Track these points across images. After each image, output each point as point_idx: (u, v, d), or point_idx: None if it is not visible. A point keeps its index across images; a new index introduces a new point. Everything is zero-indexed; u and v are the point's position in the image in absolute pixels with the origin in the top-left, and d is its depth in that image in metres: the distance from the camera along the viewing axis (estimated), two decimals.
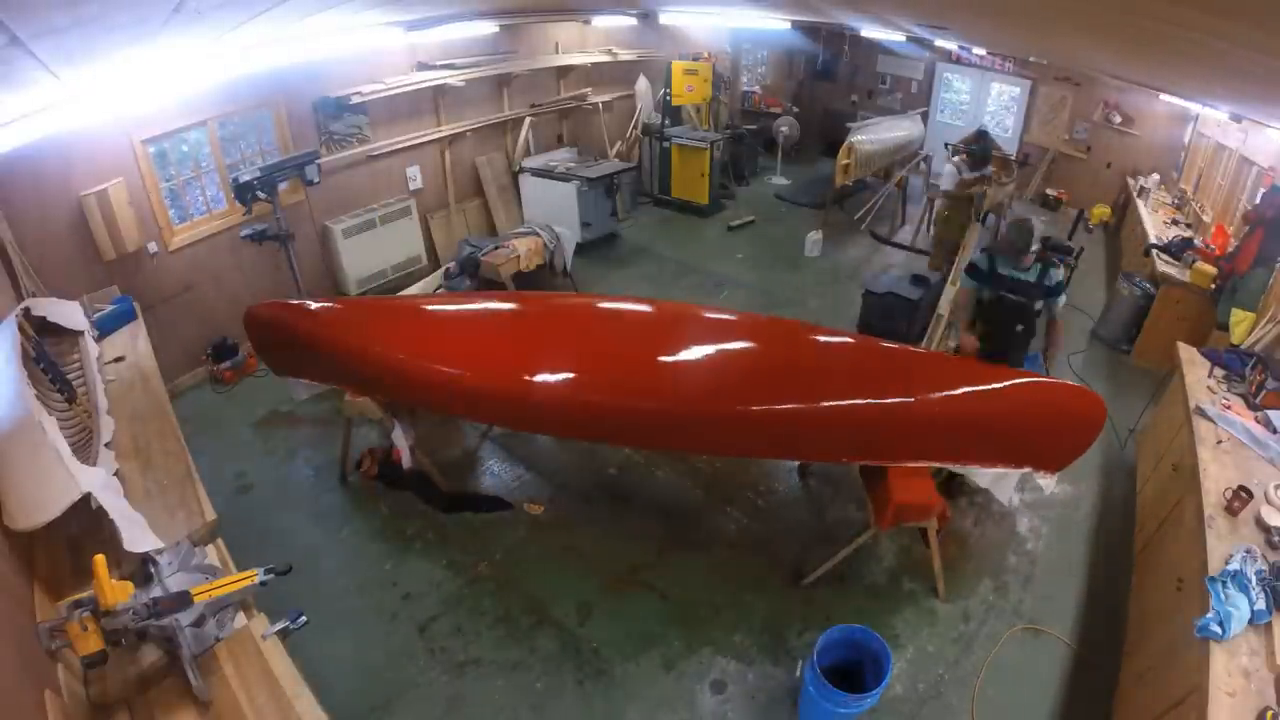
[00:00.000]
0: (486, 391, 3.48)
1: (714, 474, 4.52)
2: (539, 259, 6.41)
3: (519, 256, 6.20)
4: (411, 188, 6.74)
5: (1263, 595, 2.46)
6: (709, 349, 3.63)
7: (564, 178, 7.34)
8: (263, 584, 2.33)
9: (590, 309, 4.33)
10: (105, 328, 3.97)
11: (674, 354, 3.55)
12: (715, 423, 3.34)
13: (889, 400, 3.29)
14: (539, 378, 3.41)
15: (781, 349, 3.72)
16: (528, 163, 7.60)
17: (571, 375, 3.44)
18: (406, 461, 4.02)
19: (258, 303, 4.18)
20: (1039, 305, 3.94)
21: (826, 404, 3.28)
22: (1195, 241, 6.15)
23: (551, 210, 7.33)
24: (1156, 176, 8.34)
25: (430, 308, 4.24)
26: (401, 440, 3.96)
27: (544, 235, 6.50)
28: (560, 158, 7.81)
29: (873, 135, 8.23)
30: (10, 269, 3.95)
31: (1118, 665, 3.14)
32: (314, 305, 4.00)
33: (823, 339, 3.96)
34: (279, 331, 3.95)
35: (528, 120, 7.59)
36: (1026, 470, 3.49)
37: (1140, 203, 7.71)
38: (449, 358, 3.59)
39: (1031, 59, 9.22)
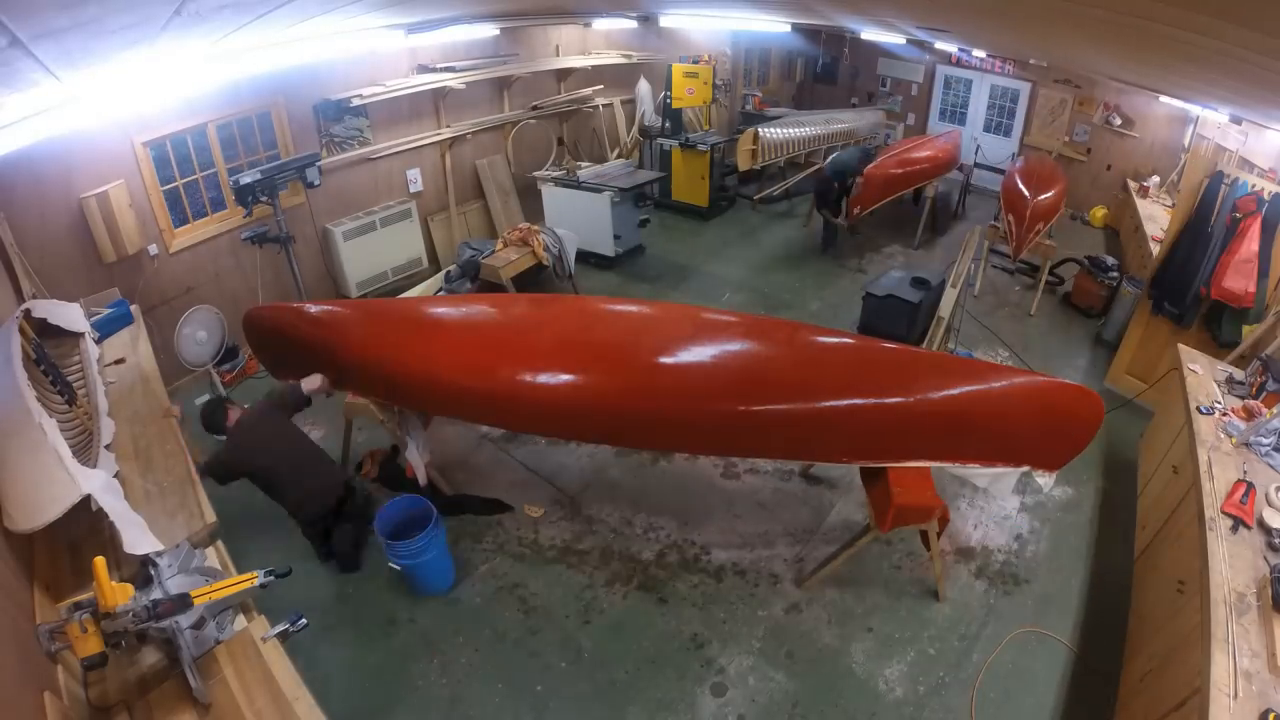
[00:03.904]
0: (485, 393, 3.48)
1: (715, 474, 4.52)
2: (541, 260, 6.42)
3: (518, 253, 6.24)
4: (412, 190, 6.75)
5: None
6: (708, 349, 3.62)
7: (596, 189, 7.09)
8: (263, 586, 2.34)
9: (590, 311, 4.32)
10: (102, 331, 3.97)
11: (673, 355, 3.55)
12: (715, 423, 3.34)
13: (888, 400, 3.29)
14: (539, 379, 3.41)
15: (780, 349, 3.72)
16: (549, 172, 7.48)
17: (571, 377, 3.44)
18: (422, 479, 4.01)
19: (258, 305, 4.19)
20: None
21: (825, 404, 3.28)
22: None
23: (580, 222, 7.08)
24: (1157, 178, 8.34)
25: (430, 310, 4.24)
26: (416, 458, 3.95)
27: (546, 238, 6.50)
28: (599, 169, 7.67)
29: (782, 128, 8.63)
30: (11, 271, 3.95)
31: (1120, 667, 3.14)
32: (313, 308, 4.00)
33: (821, 339, 3.95)
34: (278, 334, 3.95)
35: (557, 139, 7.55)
36: (1025, 469, 3.49)
37: (1140, 204, 7.71)
38: (449, 360, 3.59)
39: (1031, 61, 9.23)
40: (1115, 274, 6.62)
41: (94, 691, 2.09)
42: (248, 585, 2.32)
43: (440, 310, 4.24)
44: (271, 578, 2.36)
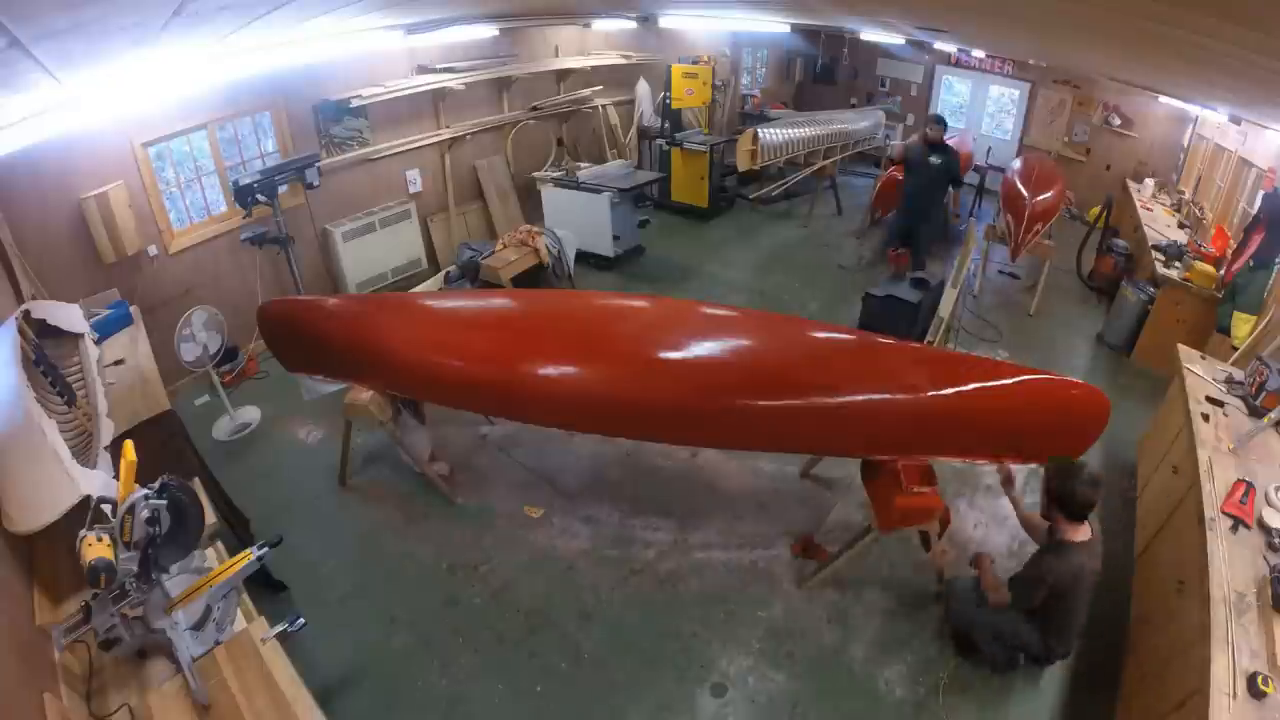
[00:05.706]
0: (500, 383, 3.50)
1: (715, 474, 4.52)
2: (543, 260, 6.42)
3: (517, 254, 6.25)
4: (411, 191, 6.75)
5: None
6: (713, 343, 3.62)
7: (595, 189, 7.08)
8: (259, 559, 2.41)
9: (601, 306, 4.31)
10: (101, 332, 3.96)
11: (679, 348, 3.55)
12: (719, 417, 3.34)
13: (893, 396, 3.29)
14: (555, 371, 3.44)
15: (787, 344, 3.72)
16: (548, 172, 7.48)
17: (582, 369, 3.45)
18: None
19: (273, 299, 4.19)
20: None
21: (830, 400, 3.28)
22: (1199, 244, 6.20)
23: (579, 222, 7.07)
24: (1157, 178, 8.35)
25: (442, 303, 4.25)
26: (418, 456, 3.95)
27: (546, 239, 6.50)
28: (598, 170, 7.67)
29: (782, 129, 8.60)
30: (11, 272, 3.94)
31: (1120, 667, 3.14)
32: (329, 301, 4.01)
33: (826, 335, 3.95)
34: (292, 328, 3.95)
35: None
36: (1031, 466, 3.49)
37: (1140, 204, 7.72)
38: (462, 351, 3.60)
39: (1031, 62, 9.24)
40: (1124, 254, 6.93)
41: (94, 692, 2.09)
42: (246, 562, 2.38)
43: (453, 304, 4.26)
44: (266, 549, 2.45)
